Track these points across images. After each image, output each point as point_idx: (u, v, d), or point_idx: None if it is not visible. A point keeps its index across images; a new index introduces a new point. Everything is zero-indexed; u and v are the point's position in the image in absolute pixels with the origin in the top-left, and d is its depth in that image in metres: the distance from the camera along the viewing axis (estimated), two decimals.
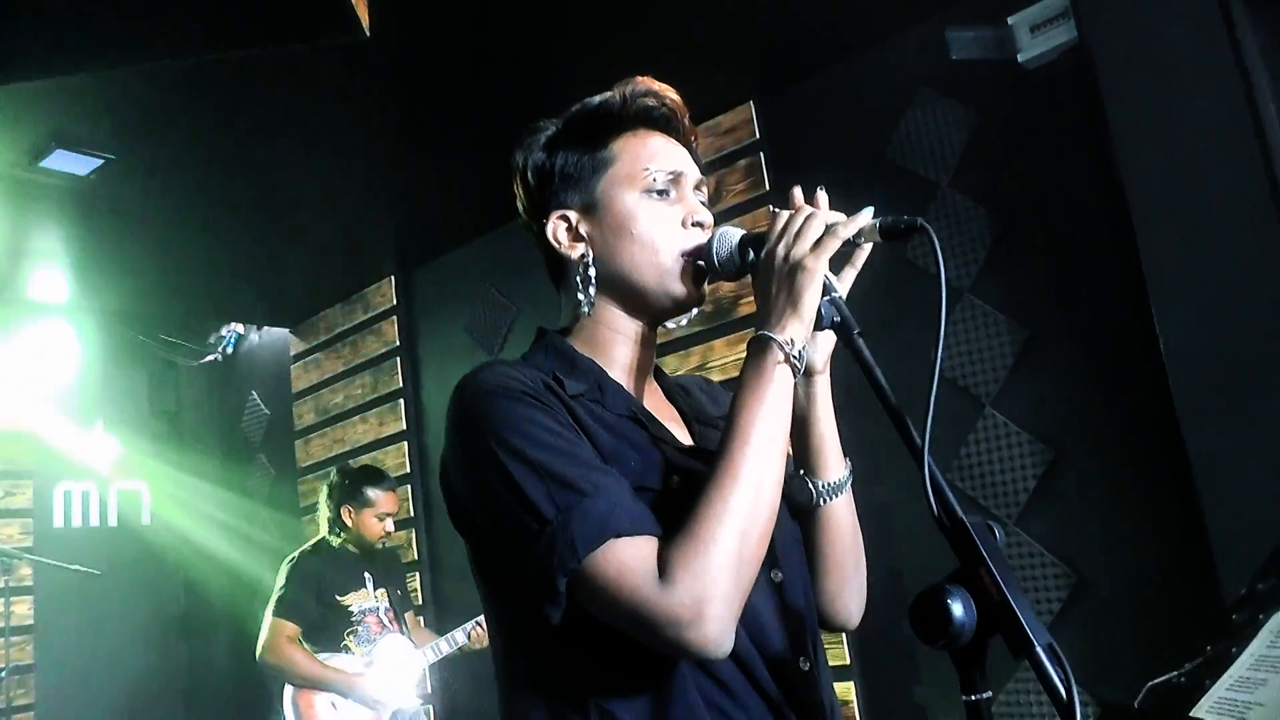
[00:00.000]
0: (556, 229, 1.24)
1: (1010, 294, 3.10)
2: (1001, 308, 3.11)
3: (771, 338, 1.06)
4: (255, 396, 5.93)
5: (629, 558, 0.99)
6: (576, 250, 1.23)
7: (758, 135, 3.76)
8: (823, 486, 1.22)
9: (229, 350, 6.06)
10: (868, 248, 1.17)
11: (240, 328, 6.03)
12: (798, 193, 1.16)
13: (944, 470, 3.08)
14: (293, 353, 5.70)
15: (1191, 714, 1.08)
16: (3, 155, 3.26)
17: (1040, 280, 3.05)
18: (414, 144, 3.85)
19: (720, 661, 1.03)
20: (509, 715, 1.14)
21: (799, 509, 1.24)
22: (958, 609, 0.86)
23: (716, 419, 1.29)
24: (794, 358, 1.06)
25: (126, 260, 4.50)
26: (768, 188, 3.72)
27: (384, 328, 5.17)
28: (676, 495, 1.09)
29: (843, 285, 1.19)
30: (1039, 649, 0.84)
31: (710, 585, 0.96)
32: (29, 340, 5.09)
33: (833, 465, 1.23)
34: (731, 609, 0.98)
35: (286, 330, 5.76)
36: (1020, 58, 3.02)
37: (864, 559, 1.29)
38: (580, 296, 1.22)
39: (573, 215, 1.24)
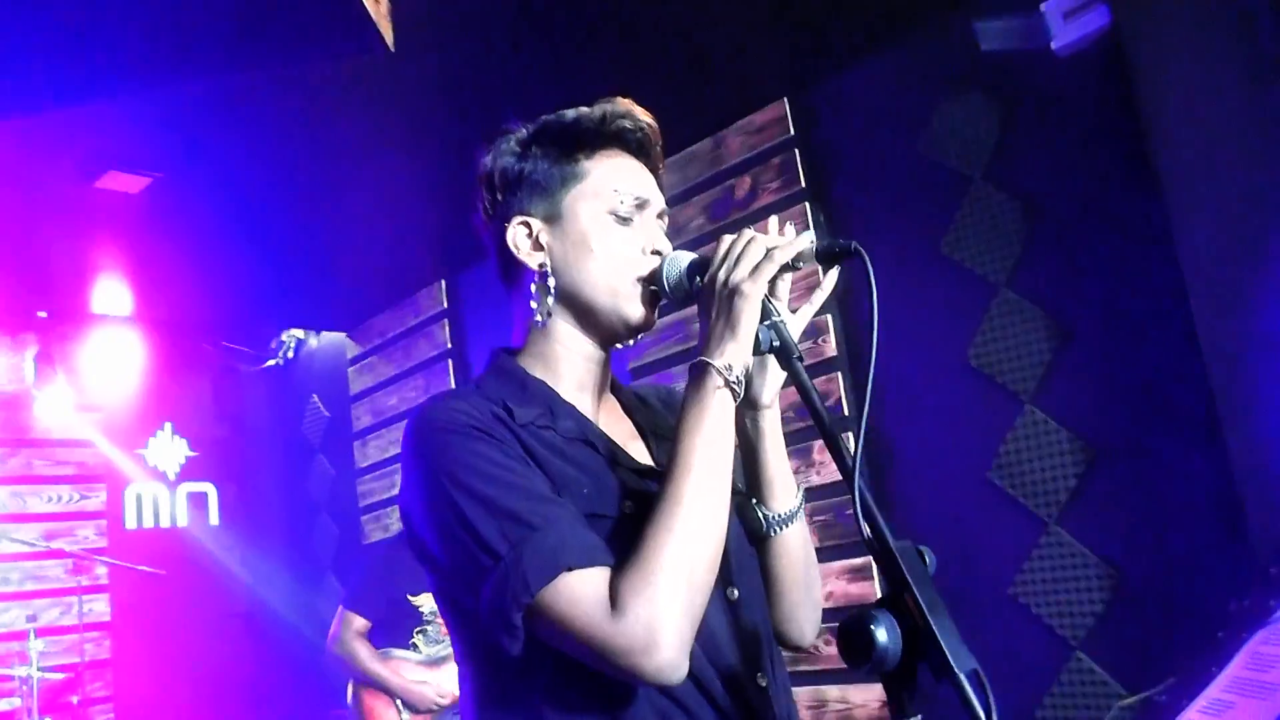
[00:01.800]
0: (516, 234, 1.25)
1: (1048, 288, 3.04)
2: (1039, 302, 3.05)
3: (710, 363, 1.07)
4: (316, 399, 6.08)
5: (580, 590, 1.01)
6: (535, 259, 1.24)
7: (791, 132, 3.73)
8: (773, 517, 1.23)
9: (290, 355, 6.21)
10: (834, 273, 1.17)
11: (300, 333, 6.18)
12: (772, 222, 1.17)
13: (984, 469, 3.05)
14: (349, 356, 5.82)
15: None
16: (59, 174, 3.39)
17: (1078, 273, 2.98)
18: (457, 150, 3.88)
19: None
20: None
21: (752, 536, 1.24)
22: (881, 634, 0.86)
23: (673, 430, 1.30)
24: (733, 382, 1.07)
25: (186, 271, 4.65)
26: (802, 185, 3.69)
27: (434, 331, 5.25)
28: (630, 521, 1.10)
29: (811, 308, 1.19)
30: (960, 675, 0.83)
31: (661, 613, 0.98)
32: (97, 351, 5.27)
33: (783, 496, 1.24)
34: (683, 635, 1.00)
35: (343, 335, 5.88)
36: (1053, 45, 2.96)
37: (818, 581, 1.30)
38: (535, 305, 1.23)
39: (535, 223, 1.25)
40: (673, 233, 4.49)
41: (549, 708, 1.09)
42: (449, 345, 5.17)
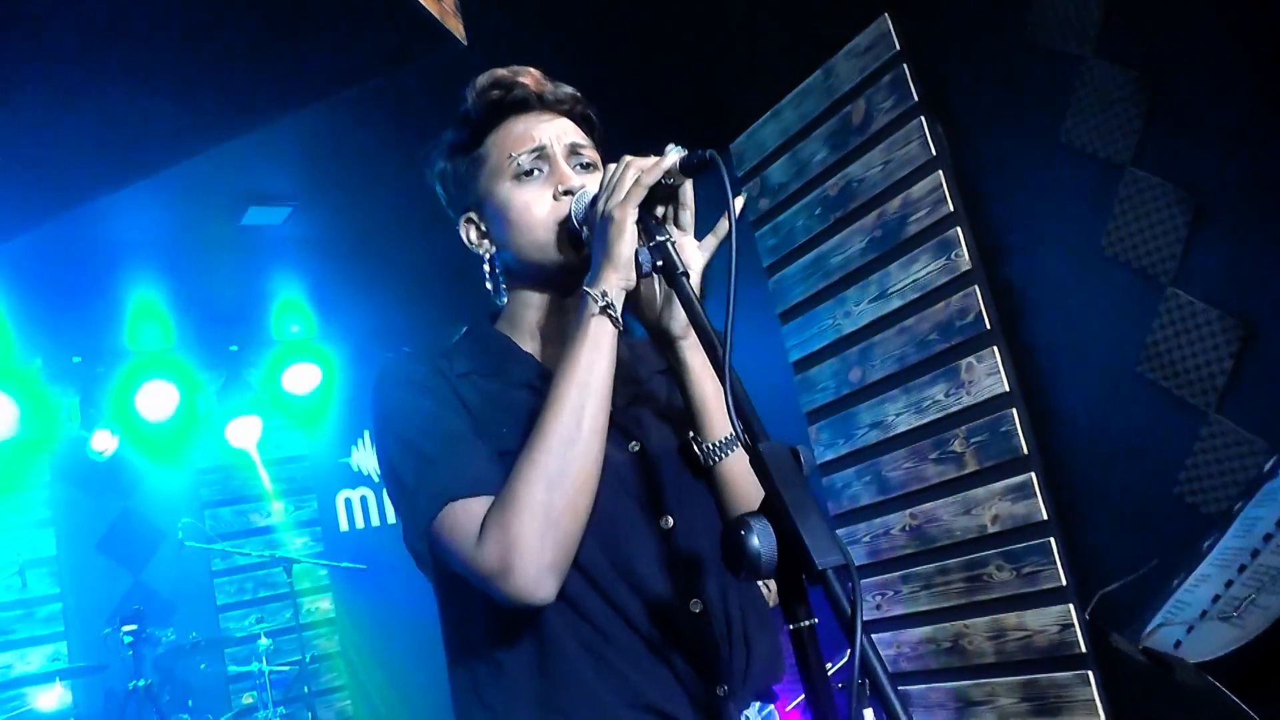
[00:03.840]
0: (467, 231, 1.33)
1: (1175, 161, 2.79)
2: (1168, 177, 2.80)
3: (586, 291, 1.09)
4: None
5: (457, 519, 1.09)
6: (482, 248, 1.31)
7: (897, 47, 3.59)
8: (708, 447, 1.21)
9: None
10: (738, 202, 1.14)
11: None
12: (669, 149, 1.16)
13: (1132, 364, 2.84)
14: None
15: (1157, 620, 0.99)
16: (209, 220, 3.73)
17: (1206, 142, 2.71)
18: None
19: (594, 607, 1.11)
20: (450, 672, 1.25)
21: (697, 470, 1.23)
22: (753, 540, 0.85)
23: (640, 378, 1.31)
24: (607, 308, 1.07)
25: (354, 285, 4.97)
26: (915, 99, 3.54)
27: None
28: None
29: (714, 238, 1.18)
30: (827, 571, 0.82)
31: (515, 540, 1.03)
32: (291, 371, 5.64)
33: (718, 425, 1.21)
34: (541, 560, 1.04)
35: None
36: None
37: None
38: (489, 287, 1.30)
39: (474, 215, 1.32)
40: (798, 170, 4.33)
41: (482, 638, 1.18)
42: None
